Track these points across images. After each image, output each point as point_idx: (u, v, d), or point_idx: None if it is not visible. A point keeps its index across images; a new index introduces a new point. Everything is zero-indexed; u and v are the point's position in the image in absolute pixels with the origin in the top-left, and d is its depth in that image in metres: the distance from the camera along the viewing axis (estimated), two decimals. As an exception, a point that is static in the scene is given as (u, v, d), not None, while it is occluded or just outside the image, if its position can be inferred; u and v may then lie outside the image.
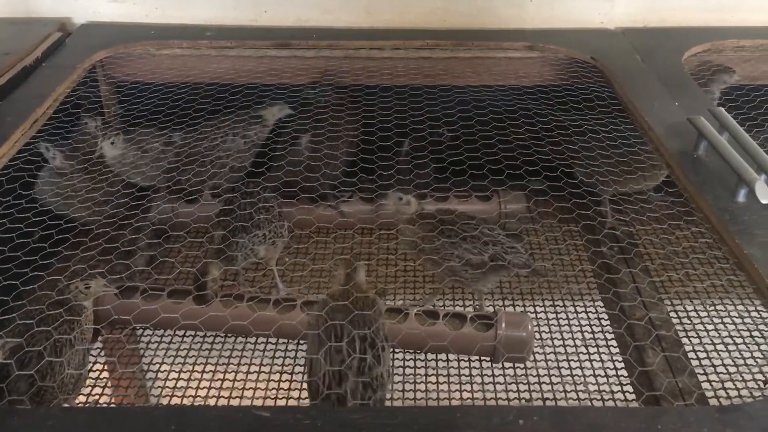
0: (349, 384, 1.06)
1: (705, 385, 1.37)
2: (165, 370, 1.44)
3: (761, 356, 1.42)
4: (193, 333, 1.48)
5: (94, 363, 1.43)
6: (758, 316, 1.50)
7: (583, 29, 1.93)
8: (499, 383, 1.41)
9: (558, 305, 1.58)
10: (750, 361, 1.41)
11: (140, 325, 1.48)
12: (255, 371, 1.43)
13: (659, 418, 0.87)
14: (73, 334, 1.20)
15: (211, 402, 1.37)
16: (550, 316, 1.56)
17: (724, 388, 1.36)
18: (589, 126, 1.64)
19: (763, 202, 1.20)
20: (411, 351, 1.45)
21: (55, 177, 1.60)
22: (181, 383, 1.40)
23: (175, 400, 1.37)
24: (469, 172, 1.47)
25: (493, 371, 1.43)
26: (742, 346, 1.44)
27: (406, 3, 1.94)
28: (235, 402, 1.36)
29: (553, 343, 1.47)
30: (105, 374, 1.44)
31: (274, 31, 1.90)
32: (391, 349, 1.23)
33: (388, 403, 1.17)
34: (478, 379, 1.42)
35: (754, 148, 1.28)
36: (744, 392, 1.37)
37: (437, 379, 1.42)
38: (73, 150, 1.64)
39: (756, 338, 1.46)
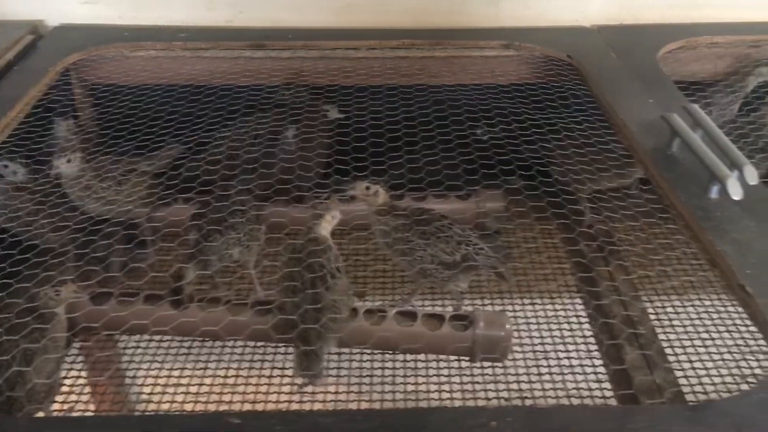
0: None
1: (683, 381, 1.38)
2: (142, 376, 1.42)
3: (738, 351, 1.43)
4: (170, 338, 1.47)
5: (69, 370, 1.41)
6: (734, 311, 1.51)
7: (560, 27, 1.94)
8: (478, 383, 1.40)
9: (537, 303, 1.58)
10: (727, 356, 1.42)
11: (111, 332, 1.46)
12: (233, 375, 1.42)
13: (632, 416, 0.87)
14: (43, 342, 1.18)
15: (190, 407, 1.36)
16: (529, 314, 1.56)
17: (701, 384, 1.37)
18: (564, 124, 1.64)
19: (735, 198, 1.21)
20: (389, 352, 1.44)
21: (11, 196, 1.53)
22: (158, 389, 1.39)
23: (152, 407, 1.36)
24: (443, 172, 1.47)
25: (472, 371, 1.43)
26: (719, 342, 1.45)
27: (382, 3, 1.94)
28: (213, 407, 1.35)
29: (532, 341, 1.47)
30: (81, 382, 1.42)
31: (250, 32, 1.88)
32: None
33: (362, 406, 1.16)
34: (457, 379, 1.41)
35: (727, 144, 1.29)
36: (721, 387, 1.38)
37: (416, 380, 1.41)
38: (43, 156, 1.60)
39: (733, 334, 1.47)
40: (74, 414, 1.32)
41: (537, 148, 1.65)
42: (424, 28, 1.92)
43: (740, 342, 1.44)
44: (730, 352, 1.43)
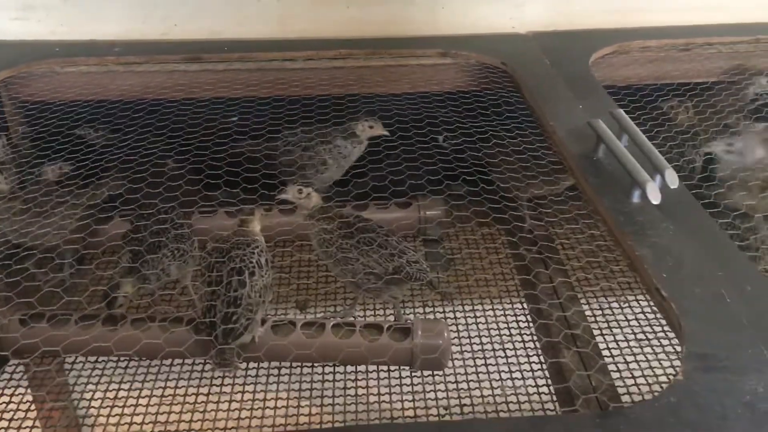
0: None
1: (619, 383, 1.40)
2: (77, 398, 1.40)
3: (672, 350, 1.45)
4: (105, 357, 1.44)
5: (1, 395, 1.38)
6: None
7: (496, 34, 1.95)
8: (417, 392, 1.41)
9: (477, 309, 1.59)
10: (661, 356, 1.44)
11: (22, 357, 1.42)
12: (170, 394, 1.40)
13: (544, 426, 0.88)
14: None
15: (125, 429, 1.34)
16: (470, 320, 1.56)
17: (637, 384, 1.39)
18: (495, 132, 1.64)
19: (654, 203, 1.22)
20: (329, 364, 1.44)
21: None
22: (92, 411, 1.36)
23: (86, 430, 1.34)
24: (371, 184, 1.47)
25: (412, 380, 1.43)
26: (654, 342, 1.47)
27: (320, 12, 1.93)
28: (148, 427, 1.33)
29: (472, 348, 1.48)
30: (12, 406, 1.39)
31: (185, 45, 1.86)
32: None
33: (301, 420, 1.15)
34: (397, 389, 1.41)
35: (650, 149, 1.31)
36: (655, 387, 1.40)
37: (356, 391, 1.41)
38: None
39: (667, 333, 1.49)
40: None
41: (466, 157, 1.65)
42: (362, 38, 1.92)
43: (675, 341, 1.47)
44: (665, 352, 1.45)
